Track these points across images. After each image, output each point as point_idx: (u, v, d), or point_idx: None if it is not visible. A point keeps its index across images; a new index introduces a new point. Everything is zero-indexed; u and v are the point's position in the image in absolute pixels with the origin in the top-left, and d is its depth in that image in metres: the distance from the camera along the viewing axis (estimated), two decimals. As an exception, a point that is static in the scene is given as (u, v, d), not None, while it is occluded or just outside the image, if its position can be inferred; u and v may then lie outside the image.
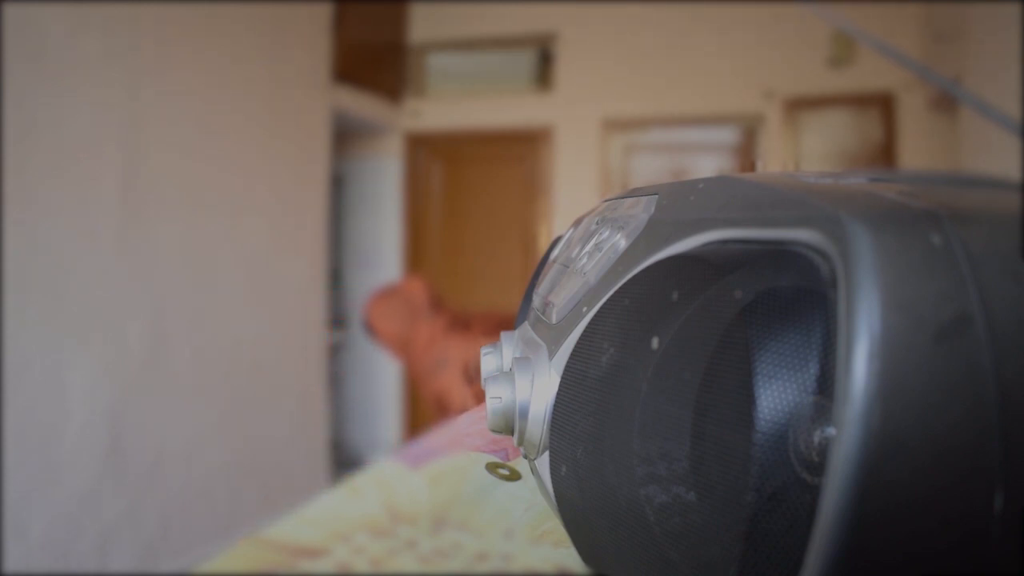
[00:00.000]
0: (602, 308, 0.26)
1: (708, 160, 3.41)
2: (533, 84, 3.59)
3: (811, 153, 3.19)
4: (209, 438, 2.30)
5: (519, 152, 3.58)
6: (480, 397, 1.32)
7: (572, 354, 0.27)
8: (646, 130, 3.46)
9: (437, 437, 0.42)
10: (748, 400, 0.17)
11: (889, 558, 0.15)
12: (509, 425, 0.29)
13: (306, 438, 2.85)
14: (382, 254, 3.70)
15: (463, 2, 3.62)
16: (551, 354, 0.29)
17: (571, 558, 0.28)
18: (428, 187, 3.73)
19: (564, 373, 0.27)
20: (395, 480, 0.37)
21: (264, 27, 2.60)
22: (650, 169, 3.44)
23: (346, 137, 3.43)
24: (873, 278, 0.15)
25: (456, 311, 1.87)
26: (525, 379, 0.29)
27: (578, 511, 0.25)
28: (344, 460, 3.26)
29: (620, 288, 0.26)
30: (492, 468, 0.37)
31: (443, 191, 3.72)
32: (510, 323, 2.09)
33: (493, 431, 0.29)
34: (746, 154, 3.32)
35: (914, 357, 0.15)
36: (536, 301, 0.36)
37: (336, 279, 3.43)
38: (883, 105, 3.06)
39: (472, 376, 1.64)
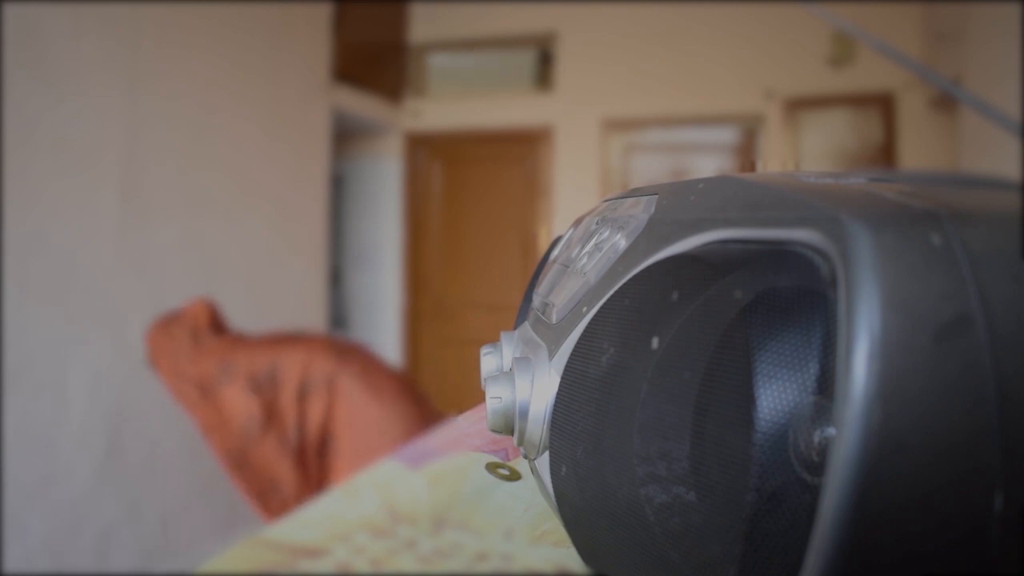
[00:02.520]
0: (602, 308, 0.26)
1: (708, 160, 3.41)
2: (533, 84, 3.59)
3: (811, 153, 3.19)
4: (209, 438, 2.30)
5: (519, 152, 3.58)
6: (266, 407, 1.34)
7: (572, 354, 0.27)
8: (646, 130, 3.46)
9: (437, 437, 0.42)
10: (748, 400, 0.17)
11: (889, 558, 0.15)
12: (509, 425, 0.29)
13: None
14: (382, 254, 3.70)
15: (463, 2, 3.62)
16: (551, 354, 0.29)
17: (571, 558, 0.28)
18: (428, 187, 3.73)
19: (564, 373, 0.27)
20: (395, 480, 0.37)
21: (264, 27, 2.60)
22: (650, 169, 3.44)
23: (346, 137, 3.43)
24: (873, 278, 0.15)
25: (239, 331, 1.74)
26: (525, 379, 0.29)
27: (578, 511, 0.25)
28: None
29: (620, 288, 0.26)
30: (492, 468, 0.37)
31: (443, 191, 3.72)
32: (301, 332, 1.73)
33: (493, 431, 0.29)
34: (746, 154, 3.32)
35: (914, 357, 0.15)
36: (536, 301, 0.36)
37: (336, 279, 3.43)
38: (883, 105, 3.06)
39: (260, 384, 1.54)
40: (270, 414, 1.52)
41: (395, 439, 1.52)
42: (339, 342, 1.67)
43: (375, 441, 1.53)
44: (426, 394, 1.73)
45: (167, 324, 1.62)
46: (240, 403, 1.52)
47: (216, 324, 1.66)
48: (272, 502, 1.52)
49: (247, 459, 1.53)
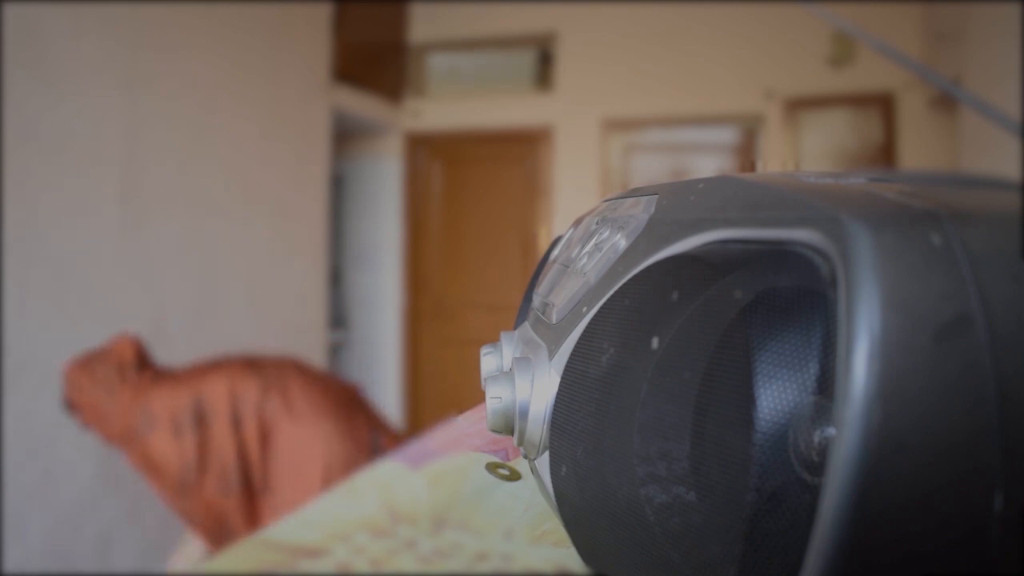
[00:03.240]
0: (602, 308, 0.26)
1: (708, 160, 3.41)
2: (533, 84, 3.59)
3: (811, 153, 3.19)
4: (209, 438, 2.30)
5: (519, 152, 3.58)
6: (199, 447, 1.25)
7: (572, 354, 0.27)
8: (646, 130, 3.46)
9: (437, 437, 0.42)
10: (748, 400, 0.17)
11: (889, 558, 0.15)
12: (509, 425, 0.29)
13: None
14: (382, 254, 3.70)
15: (463, 2, 3.62)
16: (551, 354, 0.29)
17: (571, 558, 0.28)
18: (428, 187, 3.73)
19: (564, 373, 0.27)
20: (395, 480, 0.37)
21: (264, 27, 2.60)
22: (650, 169, 3.44)
23: (346, 137, 3.43)
24: (873, 278, 0.15)
25: (163, 366, 1.58)
26: (525, 379, 0.29)
27: (578, 511, 0.25)
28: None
29: (620, 288, 0.26)
30: (492, 468, 0.37)
31: (443, 191, 3.72)
32: (226, 358, 1.58)
33: (493, 431, 0.29)
34: (746, 154, 3.32)
35: (914, 357, 0.15)
36: (536, 301, 0.36)
37: (336, 279, 3.43)
38: (883, 105, 3.06)
39: (184, 426, 1.40)
40: (204, 454, 1.40)
41: (338, 461, 1.43)
42: (259, 362, 1.54)
43: (315, 468, 1.42)
44: (366, 401, 1.63)
45: (89, 362, 1.47)
46: (169, 450, 1.39)
47: (142, 361, 1.51)
48: (223, 541, 1.41)
49: (189, 502, 1.41)
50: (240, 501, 1.41)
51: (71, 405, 1.46)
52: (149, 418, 1.41)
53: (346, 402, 1.53)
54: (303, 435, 1.44)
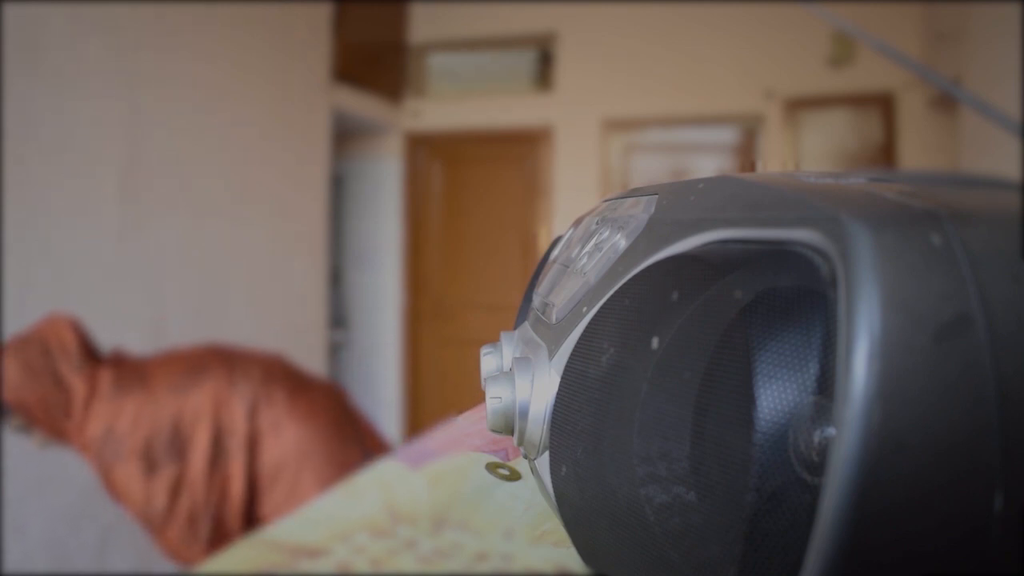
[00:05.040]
0: (602, 308, 0.26)
1: (708, 160, 3.41)
2: (533, 84, 3.59)
3: (811, 153, 3.19)
4: (209, 438, 2.30)
5: (519, 152, 3.58)
6: (172, 483, 1.05)
7: (572, 354, 0.27)
8: (646, 130, 3.46)
9: (437, 437, 0.42)
10: (748, 400, 0.17)
11: (889, 558, 0.15)
12: (509, 425, 0.29)
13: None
14: (382, 254, 3.70)
15: (463, 2, 3.62)
16: (551, 354, 0.29)
17: (571, 558, 0.28)
18: (428, 187, 3.73)
19: (564, 373, 0.27)
20: (395, 480, 0.37)
21: (264, 27, 2.60)
22: (650, 169, 3.44)
23: (346, 137, 3.43)
24: (873, 278, 0.15)
25: (124, 359, 1.35)
26: (525, 379, 0.29)
27: (578, 511, 0.25)
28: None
29: (620, 288, 0.26)
30: (492, 468, 0.37)
31: (443, 191, 3.72)
32: (205, 363, 1.34)
33: (493, 431, 0.29)
34: (746, 154, 3.32)
35: (914, 357, 0.15)
36: (536, 301, 0.36)
37: (336, 279, 3.43)
38: (883, 105, 3.06)
39: (158, 457, 1.20)
40: (174, 497, 1.22)
41: (332, 474, 1.29)
42: (243, 367, 1.35)
43: (308, 484, 1.29)
44: (352, 407, 1.49)
45: (18, 346, 1.22)
46: (136, 488, 1.21)
47: (85, 346, 1.30)
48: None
49: (152, 534, 1.25)
50: (208, 549, 1.24)
51: (11, 408, 1.22)
52: (116, 442, 1.21)
53: (335, 415, 1.40)
54: (291, 456, 1.29)
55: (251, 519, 1.30)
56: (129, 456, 1.20)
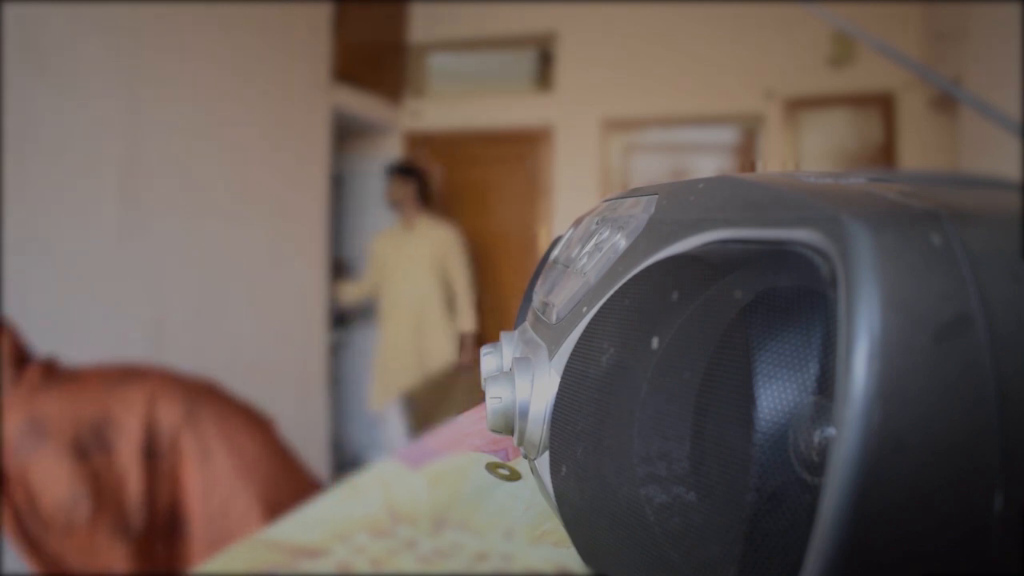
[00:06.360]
0: (602, 308, 0.26)
1: (708, 160, 3.41)
2: (533, 84, 3.59)
3: (811, 153, 3.19)
4: (209, 438, 2.30)
5: (519, 152, 3.58)
6: (100, 478, 0.95)
7: (572, 354, 0.27)
8: (646, 130, 3.46)
9: (437, 437, 0.42)
10: (748, 400, 0.17)
11: (889, 558, 0.15)
12: (509, 425, 0.29)
13: (306, 438, 2.85)
14: (382, 254, 3.69)
15: (463, 2, 3.61)
16: (551, 354, 0.29)
17: (571, 558, 0.28)
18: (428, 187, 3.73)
19: (564, 373, 0.27)
20: (395, 480, 0.37)
21: (264, 27, 2.60)
22: (650, 169, 3.44)
23: (346, 137, 3.43)
24: (873, 278, 0.15)
25: (57, 363, 1.28)
26: (525, 379, 0.29)
27: (578, 511, 0.25)
28: (345, 461, 3.26)
29: (620, 288, 0.26)
30: (492, 468, 0.37)
31: (443, 191, 3.71)
32: (141, 368, 1.35)
33: (493, 431, 0.29)
34: (746, 154, 3.32)
35: (914, 357, 0.15)
36: (536, 301, 0.36)
37: (342, 273, 3.43)
38: (883, 105, 3.06)
39: (86, 447, 1.12)
40: (101, 486, 1.12)
41: (263, 508, 1.21)
42: (188, 380, 1.31)
43: (239, 511, 1.21)
44: (284, 440, 1.43)
45: None
46: (60, 475, 1.10)
47: (20, 353, 1.22)
48: None
49: (67, 542, 1.13)
50: (133, 553, 1.15)
51: None
52: (37, 430, 1.11)
53: (273, 438, 1.35)
54: (234, 469, 1.23)
55: (177, 530, 1.23)
56: (52, 442, 1.12)
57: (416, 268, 2.91)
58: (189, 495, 1.21)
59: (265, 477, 1.26)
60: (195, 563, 1.19)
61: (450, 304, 2.93)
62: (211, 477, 1.21)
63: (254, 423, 1.35)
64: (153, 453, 1.18)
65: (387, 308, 2.96)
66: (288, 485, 1.30)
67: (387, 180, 2.99)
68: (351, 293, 3.13)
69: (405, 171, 2.98)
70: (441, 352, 2.92)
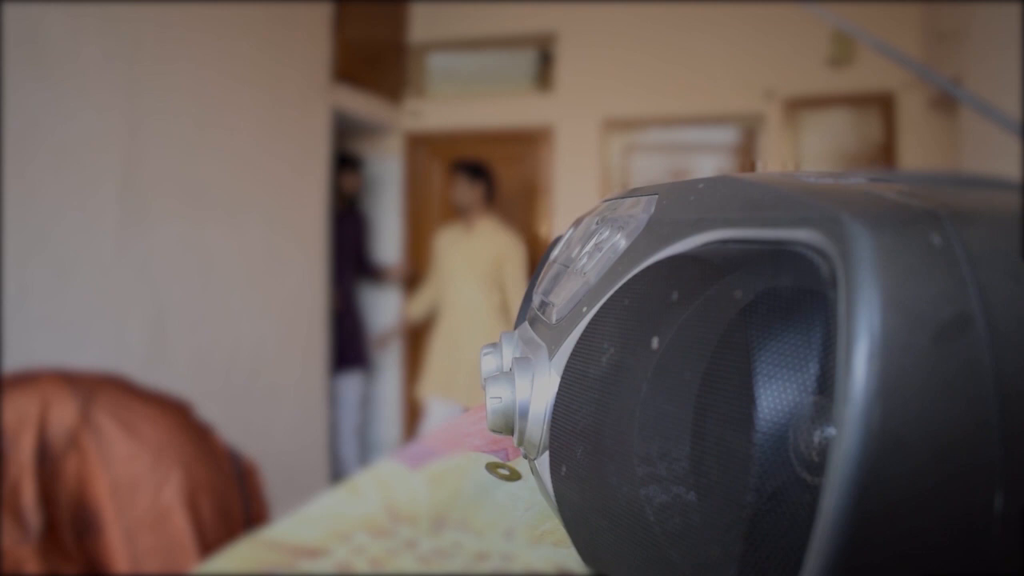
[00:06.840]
0: (602, 308, 0.26)
1: (708, 160, 3.41)
2: (533, 84, 3.59)
3: (811, 153, 3.19)
4: (209, 438, 2.30)
5: (519, 152, 3.58)
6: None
7: (572, 354, 0.27)
8: (646, 130, 3.46)
9: (437, 437, 0.42)
10: (748, 400, 0.17)
11: (889, 557, 0.15)
12: (509, 425, 0.29)
13: (306, 438, 2.85)
14: (382, 254, 3.70)
15: (463, 2, 3.62)
16: (551, 354, 0.29)
17: (571, 558, 0.28)
18: (428, 187, 3.73)
19: (564, 373, 0.27)
20: (395, 480, 0.37)
21: (264, 27, 2.60)
22: (650, 169, 3.44)
23: (346, 137, 3.43)
24: (873, 278, 0.15)
25: None
26: (525, 379, 0.29)
27: (578, 511, 0.25)
28: (341, 471, 3.26)
29: (620, 288, 0.26)
30: (492, 468, 0.37)
31: (443, 191, 3.71)
32: (35, 372, 1.32)
33: (493, 431, 0.29)
34: (746, 154, 3.32)
35: (914, 357, 0.15)
36: (536, 301, 0.36)
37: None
38: (883, 105, 3.06)
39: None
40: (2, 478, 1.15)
41: (180, 492, 1.23)
42: (80, 377, 1.31)
43: (153, 499, 1.22)
44: (204, 423, 1.44)
45: None
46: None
47: None
48: None
49: None
50: (40, 551, 1.16)
51: None
52: None
53: (189, 422, 1.35)
54: (143, 460, 1.24)
55: (90, 527, 1.24)
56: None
57: (470, 270, 2.85)
58: (98, 491, 1.23)
59: (177, 461, 1.27)
60: (116, 557, 1.22)
61: (502, 308, 2.87)
62: (115, 470, 1.24)
63: (160, 410, 1.35)
64: (47, 456, 1.20)
65: (444, 305, 2.95)
66: (205, 466, 1.32)
67: (455, 180, 2.90)
68: (418, 307, 3.12)
69: (475, 171, 2.89)
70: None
